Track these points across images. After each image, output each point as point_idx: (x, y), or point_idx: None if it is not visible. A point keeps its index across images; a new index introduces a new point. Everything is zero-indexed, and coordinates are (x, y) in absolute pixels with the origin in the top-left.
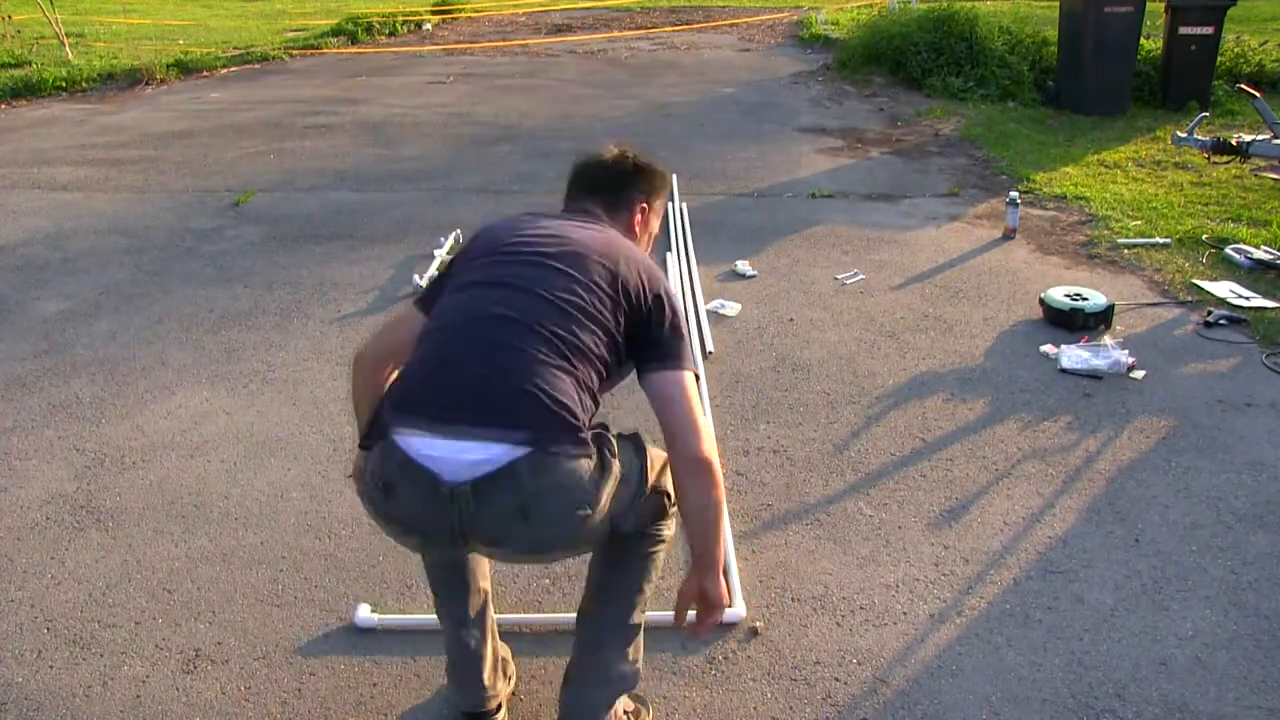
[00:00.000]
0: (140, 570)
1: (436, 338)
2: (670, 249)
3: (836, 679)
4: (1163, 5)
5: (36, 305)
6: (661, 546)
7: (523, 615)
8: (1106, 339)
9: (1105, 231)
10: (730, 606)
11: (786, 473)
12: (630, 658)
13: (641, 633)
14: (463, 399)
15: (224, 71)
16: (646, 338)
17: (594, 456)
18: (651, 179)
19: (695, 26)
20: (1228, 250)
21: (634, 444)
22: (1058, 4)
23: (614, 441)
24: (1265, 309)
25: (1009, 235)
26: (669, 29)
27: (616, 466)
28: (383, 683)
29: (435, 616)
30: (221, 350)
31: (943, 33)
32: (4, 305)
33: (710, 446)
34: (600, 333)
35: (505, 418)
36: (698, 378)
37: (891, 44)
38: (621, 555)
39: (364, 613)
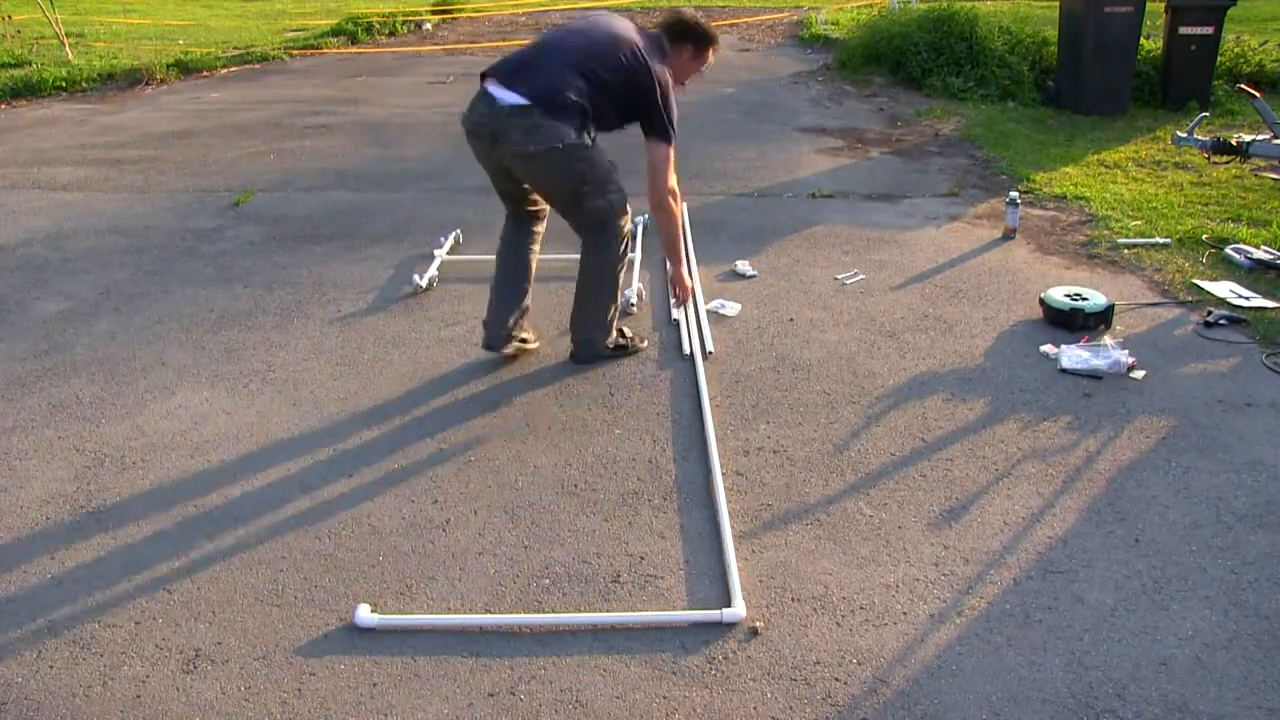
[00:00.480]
0: (140, 570)
1: (528, 46)
2: None
3: (836, 679)
4: (1163, 5)
5: (36, 305)
6: (618, 243)
7: (522, 615)
8: (1106, 339)
9: (1105, 231)
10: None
11: (786, 473)
12: (609, 317)
13: (614, 309)
14: (523, 78)
15: (224, 71)
16: (643, 113)
17: (577, 132)
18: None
19: None
20: (1228, 250)
21: (605, 163)
22: (1058, 4)
23: (590, 137)
24: (1265, 309)
25: (1009, 235)
26: None
27: (586, 142)
28: (383, 683)
29: (435, 616)
30: (221, 350)
31: (943, 33)
32: (4, 305)
33: (663, 196)
34: (605, 82)
35: (542, 94)
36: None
37: (891, 44)
38: (591, 248)
39: (364, 613)
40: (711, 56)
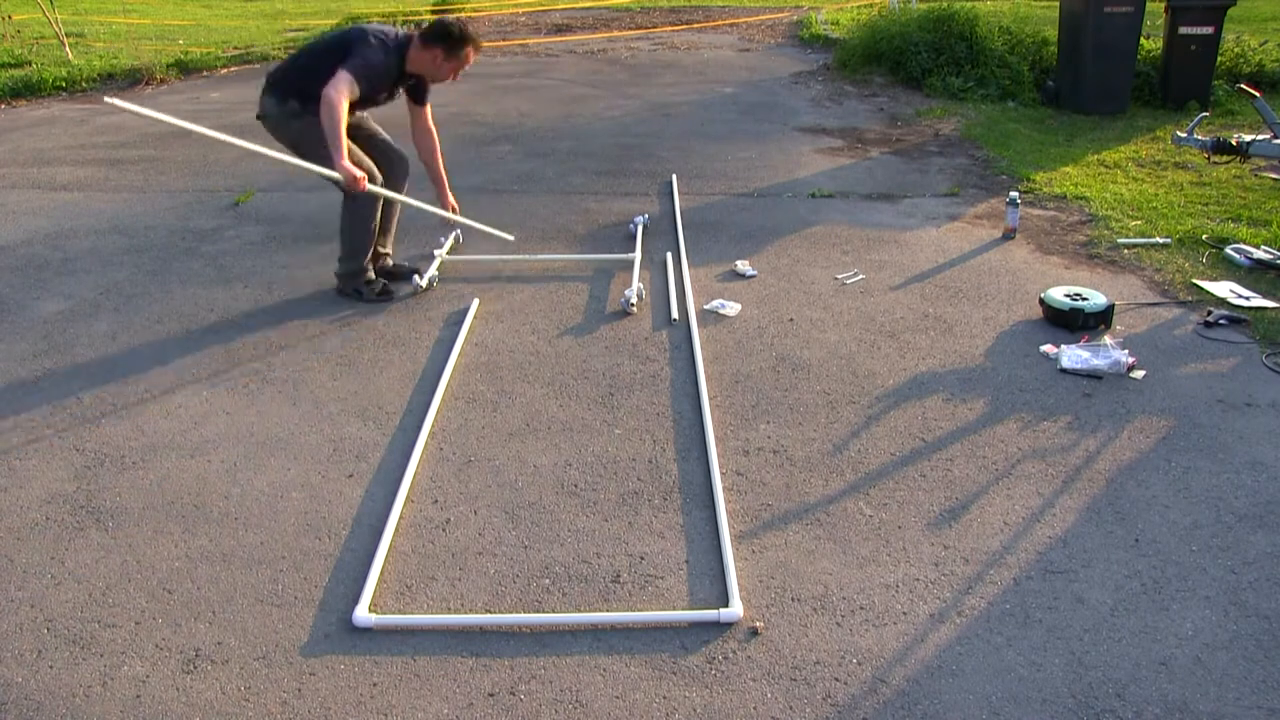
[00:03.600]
0: (140, 570)
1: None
2: (670, 250)
3: (836, 679)
4: (1163, 5)
5: (36, 305)
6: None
7: (522, 615)
8: (1106, 339)
9: (1105, 231)
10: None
11: (786, 473)
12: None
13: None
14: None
15: (224, 71)
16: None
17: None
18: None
19: (695, 26)
20: (1228, 250)
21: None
22: (1058, 4)
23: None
24: (1265, 309)
25: (1009, 235)
26: (669, 29)
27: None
28: (383, 683)
29: (435, 616)
30: (221, 350)
31: (943, 33)
32: (4, 305)
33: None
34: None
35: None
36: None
37: (891, 44)
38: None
39: (364, 613)
40: (470, 58)
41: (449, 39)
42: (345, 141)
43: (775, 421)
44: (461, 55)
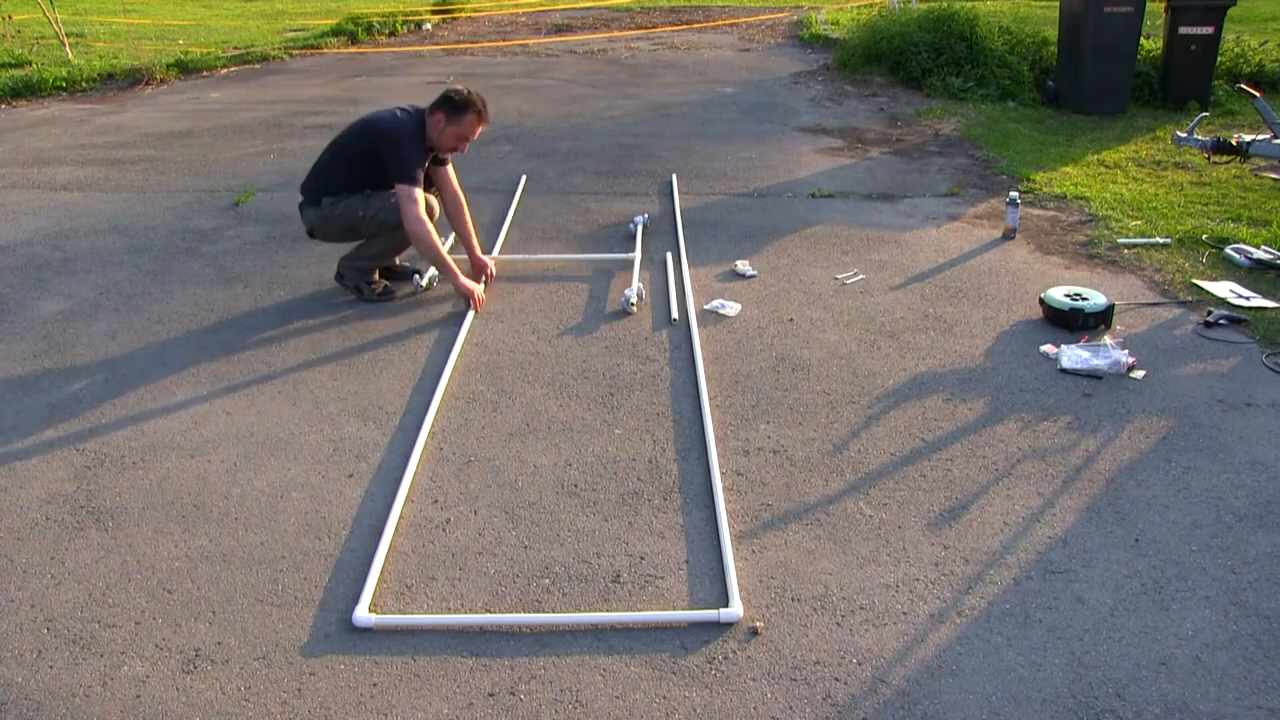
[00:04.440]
0: (140, 570)
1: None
2: (670, 250)
3: (836, 679)
4: (1163, 5)
5: (36, 305)
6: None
7: (523, 615)
8: (1106, 339)
9: (1105, 231)
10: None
11: (786, 473)
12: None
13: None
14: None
15: (224, 71)
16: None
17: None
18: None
19: (695, 26)
20: (1228, 250)
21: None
22: (1058, 4)
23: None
24: (1265, 309)
25: (1009, 235)
26: (669, 29)
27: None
28: (383, 683)
29: (435, 616)
30: (221, 350)
31: (943, 33)
32: (4, 305)
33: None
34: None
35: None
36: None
37: (891, 44)
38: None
39: (364, 613)
40: (475, 127)
41: (450, 104)
42: (451, 261)
43: (775, 421)
44: (464, 121)
